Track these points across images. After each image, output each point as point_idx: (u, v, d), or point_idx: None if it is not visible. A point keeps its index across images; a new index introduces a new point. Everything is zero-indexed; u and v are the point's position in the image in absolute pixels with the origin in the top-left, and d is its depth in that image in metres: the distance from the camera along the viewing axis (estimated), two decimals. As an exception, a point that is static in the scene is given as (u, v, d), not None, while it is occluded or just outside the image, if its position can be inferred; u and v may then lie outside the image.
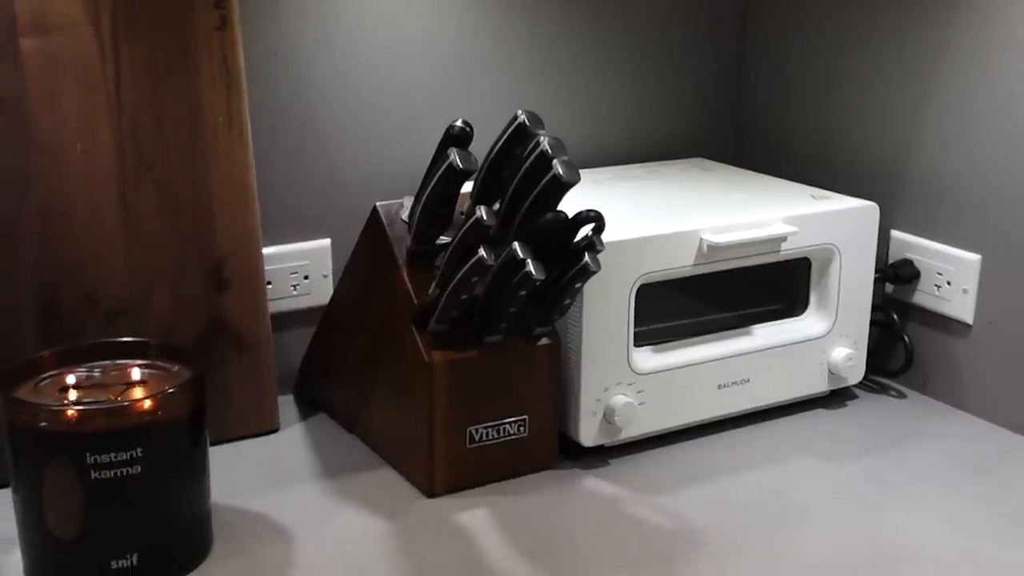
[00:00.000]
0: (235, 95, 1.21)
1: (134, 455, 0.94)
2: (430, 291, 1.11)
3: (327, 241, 1.35)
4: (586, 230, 1.08)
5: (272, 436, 1.27)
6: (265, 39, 1.27)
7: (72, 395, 1.00)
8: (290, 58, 1.29)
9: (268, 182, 1.27)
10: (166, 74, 1.18)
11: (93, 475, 0.94)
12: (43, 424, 0.95)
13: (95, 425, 0.95)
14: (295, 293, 1.34)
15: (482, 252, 1.03)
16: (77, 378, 1.02)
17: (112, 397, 1.00)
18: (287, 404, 1.33)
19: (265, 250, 1.26)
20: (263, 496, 1.13)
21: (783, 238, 1.23)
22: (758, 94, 1.57)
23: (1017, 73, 1.22)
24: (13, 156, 1.12)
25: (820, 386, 1.32)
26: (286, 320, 1.33)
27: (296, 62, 1.29)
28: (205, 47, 1.19)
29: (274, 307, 1.29)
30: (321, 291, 1.35)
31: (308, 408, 1.33)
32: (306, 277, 1.35)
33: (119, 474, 0.94)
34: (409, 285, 1.11)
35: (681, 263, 1.19)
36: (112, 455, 0.94)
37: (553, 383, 1.17)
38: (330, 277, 1.36)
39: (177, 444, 0.98)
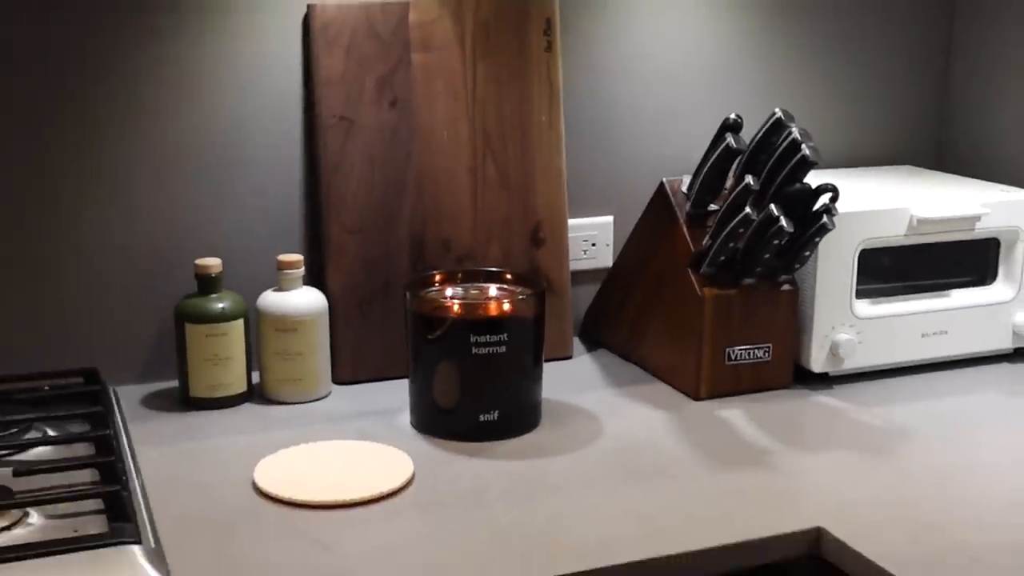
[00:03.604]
0: (554, 101, 1.62)
1: (501, 339, 1.34)
2: (703, 242, 1.48)
3: (610, 217, 1.74)
4: (824, 199, 1.44)
5: (567, 361, 1.66)
6: (575, 59, 1.68)
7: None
8: (592, 74, 1.70)
9: (571, 168, 1.67)
10: (507, 83, 1.60)
11: (474, 351, 1.34)
12: (440, 315, 1.36)
13: (476, 314, 1.36)
14: (584, 256, 1.74)
15: (748, 210, 1.40)
16: (452, 292, 1.44)
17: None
18: (575, 341, 1.72)
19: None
20: (572, 395, 1.52)
21: (977, 218, 1.56)
22: (962, 109, 1.90)
23: None
24: (401, 139, 1.55)
25: (1005, 343, 1.63)
26: (576, 277, 1.72)
27: (596, 78, 1.70)
28: (535, 64, 1.61)
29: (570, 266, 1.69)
30: (603, 256, 1.75)
31: (591, 345, 1.72)
32: (593, 244, 1.74)
33: (491, 352, 1.34)
34: (688, 237, 1.50)
35: (895, 233, 1.53)
36: (488, 336, 1.34)
37: (792, 320, 1.52)
38: (611, 246, 1.74)
39: (528, 335, 1.38)
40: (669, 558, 1.12)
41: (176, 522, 1.17)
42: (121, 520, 1.10)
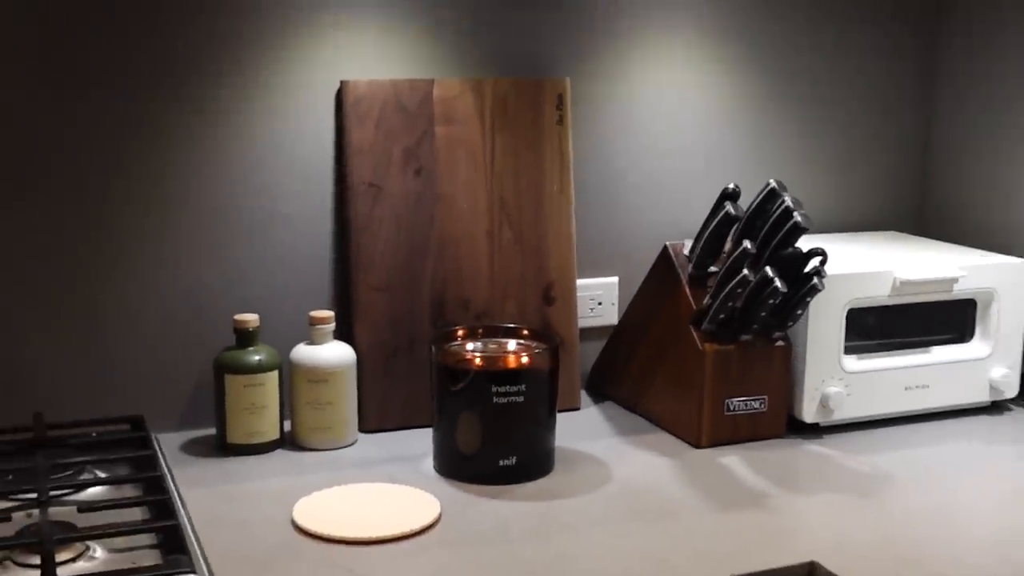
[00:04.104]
0: (565, 171, 1.75)
1: (520, 389, 1.46)
2: (704, 301, 1.61)
3: (615, 278, 1.87)
4: (814, 262, 1.57)
5: (576, 412, 1.77)
6: (584, 130, 1.81)
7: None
8: (600, 145, 1.83)
9: (579, 231, 1.80)
10: (523, 154, 1.73)
11: (495, 400, 1.46)
12: (464, 367, 1.48)
13: (497, 366, 1.48)
14: (591, 314, 1.86)
15: (745, 271, 1.53)
16: (473, 346, 1.56)
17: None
18: (582, 394, 1.84)
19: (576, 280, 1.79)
20: (582, 443, 1.63)
21: (955, 280, 1.69)
22: (942, 180, 2.04)
23: None
24: (425, 205, 1.68)
25: (983, 396, 1.75)
26: (583, 334, 1.84)
27: (604, 148, 1.83)
28: (548, 136, 1.74)
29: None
30: (609, 315, 1.87)
31: (598, 397, 1.84)
32: (600, 303, 1.86)
33: (509, 401, 1.46)
34: (690, 296, 1.62)
35: (880, 293, 1.66)
36: (508, 387, 1.46)
37: (785, 374, 1.64)
38: (616, 305, 1.87)
39: (543, 386, 1.50)
40: (676, 590, 1.24)
41: (222, 557, 1.27)
42: (176, 552, 1.21)
